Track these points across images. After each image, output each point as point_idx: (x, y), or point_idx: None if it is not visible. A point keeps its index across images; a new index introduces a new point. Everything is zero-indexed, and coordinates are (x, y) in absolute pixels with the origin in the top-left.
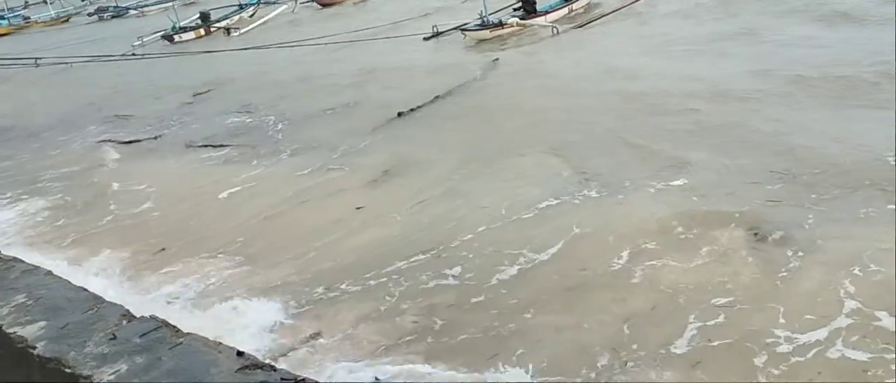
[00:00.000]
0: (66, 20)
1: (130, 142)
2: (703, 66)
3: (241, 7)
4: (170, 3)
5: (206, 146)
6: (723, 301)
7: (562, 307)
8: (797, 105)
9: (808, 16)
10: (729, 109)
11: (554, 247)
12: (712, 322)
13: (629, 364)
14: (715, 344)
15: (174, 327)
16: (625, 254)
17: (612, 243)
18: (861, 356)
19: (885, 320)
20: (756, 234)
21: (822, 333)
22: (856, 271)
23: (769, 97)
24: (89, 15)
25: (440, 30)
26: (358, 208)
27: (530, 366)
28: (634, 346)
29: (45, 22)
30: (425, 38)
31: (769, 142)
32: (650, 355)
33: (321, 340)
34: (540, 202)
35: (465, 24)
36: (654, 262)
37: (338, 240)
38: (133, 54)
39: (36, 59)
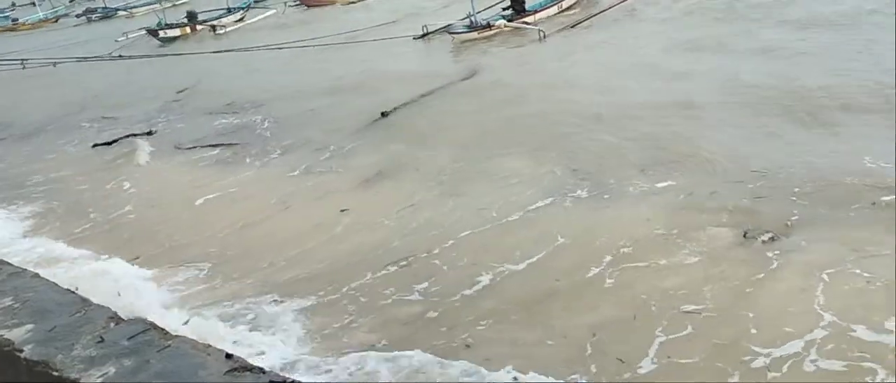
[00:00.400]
0: (55, 21)
1: (112, 142)
2: (689, 70)
3: (230, 10)
4: (158, 5)
5: (193, 147)
6: (696, 309)
7: (525, 320)
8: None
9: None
10: (710, 116)
11: (533, 256)
12: (683, 333)
13: None
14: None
15: (162, 330)
16: (604, 261)
17: (591, 250)
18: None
19: (861, 332)
20: (744, 234)
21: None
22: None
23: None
24: (77, 16)
25: (430, 30)
26: (343, 210)
27: None
28: (593, 368)
29: (33, 23)
30: (415, 38)
31: (749, 148)
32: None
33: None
34: (526, 205)
35: (451, 25)
36: (631, 269)
37: (315, 247)
38: (119, 55)
39: (22, 60)
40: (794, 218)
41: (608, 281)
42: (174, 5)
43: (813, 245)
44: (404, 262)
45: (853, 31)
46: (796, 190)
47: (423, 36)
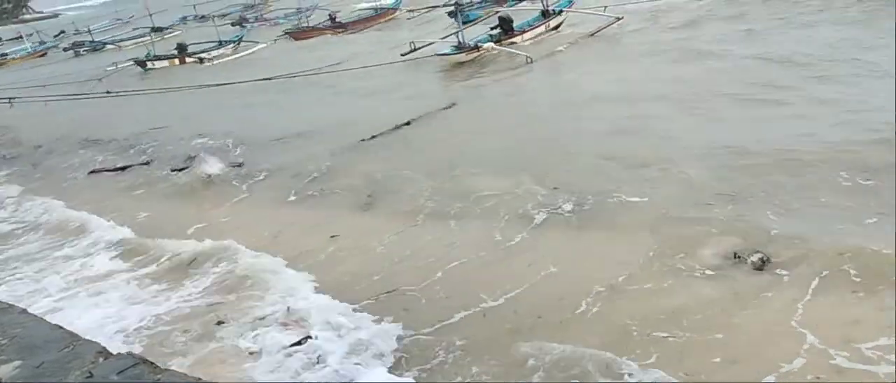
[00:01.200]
0: (43, 54)
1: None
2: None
3: (221, 43)
4: (147, 37)
5: (176, 170)
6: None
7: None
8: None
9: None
10: (697, 137)
11: (516, 288)
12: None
13: None
14: None
15: (152, 363)
16: (591, 289)
17: (577, 279)
18: None
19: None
20: (734, 255)
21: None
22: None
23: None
24: (64, 50)
25: (417, 46)
26: (332, 236)
27: None
28: None
29: (22, 58)
30: (402, 55)
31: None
32: None
33: None
34: (510, 231)
35: (439, 45)
36: (618, 298)
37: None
38: (107, 92)
39: (10, 98)
40: (774, 231)
41: (592, 309)
42: (163, 38)
43: (801, 262)
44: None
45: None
46: (777, 203)
47: (411, 52)
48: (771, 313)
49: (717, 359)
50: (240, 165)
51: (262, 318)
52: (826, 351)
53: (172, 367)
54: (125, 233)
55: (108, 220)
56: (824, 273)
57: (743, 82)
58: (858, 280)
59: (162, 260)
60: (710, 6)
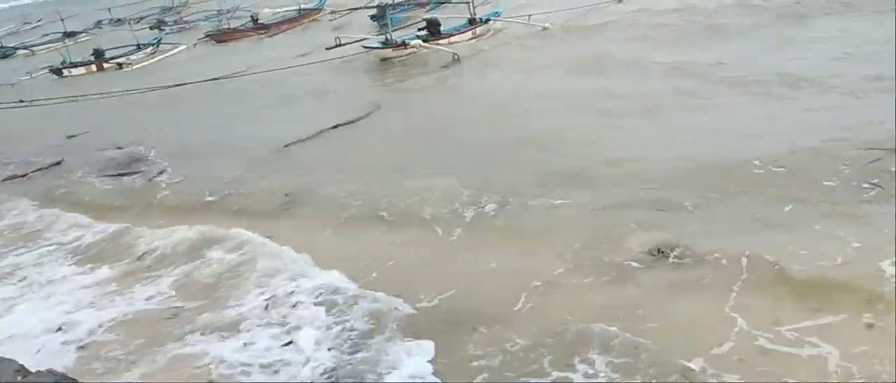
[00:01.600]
0: None
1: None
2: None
3: (139, 47)
4: (61, 43)
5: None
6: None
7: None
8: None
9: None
10: (612, 133)
11: (449, 289)
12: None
13: None
14: None
15: (73, 380)
16: (519, 289)
17: (506, 280)
18: None
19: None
20: (658, 250)
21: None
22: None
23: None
24: None
25: (342, 42)
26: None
27: None
28: None
29: None
30: (327, 48)
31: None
32: None
33: None
34: (439, 232)
35: (366, 40)
36: (545, 296)
37: None
38: (21, 101)
39: None
40: (695, 223)
41: (528, 305)
42: (77, 42)
43: (721, 252)
44: None
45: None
46: (690, 201)
47: (336, 47)
48: (699, 302)
49: (655, 347)
50: (162, 172)
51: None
52: (750, 333)
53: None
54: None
55: None
56: (744, 265)
57: (662, 92)
58: (776, 271)
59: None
60: (635, 15)
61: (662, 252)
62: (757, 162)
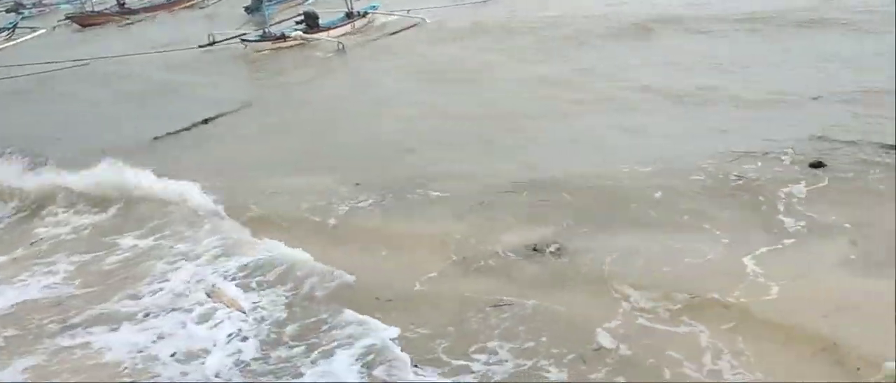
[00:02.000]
0: None
1: None
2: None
3: None
4: None
5: None
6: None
7: None
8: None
9: None
10: (495, 126)
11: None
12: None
13: None
14: None
15: None
16: (396, 286)
17: (386, 275)
18: None
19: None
20: (534, 248)
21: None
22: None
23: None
24: None
25: (217, 39)
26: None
27: None
28: None
29: None
30: (201, 46)
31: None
32: None
33: None
34: (322, 225)
35: (244, 34)
36: (441, 280)
37: None
38: None
39: None
40: (568, 222)
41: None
42: None
43: (596, 251)
44: None
45: None
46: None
47: (210, 44)
48: (583, 285)
49: (554, 328)
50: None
51: None
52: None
53: None
54: None
55: None
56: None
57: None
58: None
59: None
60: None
61: (537, 249)
62: (625, 169)
